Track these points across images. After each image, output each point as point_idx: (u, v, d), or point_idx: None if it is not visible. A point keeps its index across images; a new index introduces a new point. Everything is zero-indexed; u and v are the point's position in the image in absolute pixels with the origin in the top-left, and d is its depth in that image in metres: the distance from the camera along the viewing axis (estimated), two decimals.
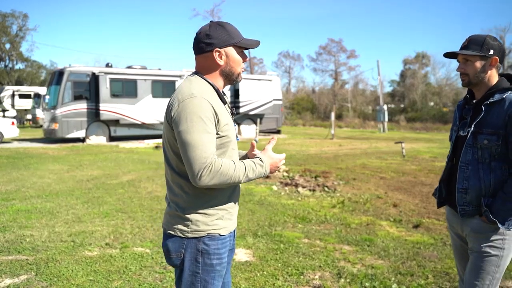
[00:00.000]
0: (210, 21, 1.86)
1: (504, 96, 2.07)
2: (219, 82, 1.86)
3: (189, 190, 1.77)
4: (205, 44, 1.81)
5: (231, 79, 1.88)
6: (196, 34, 1.85)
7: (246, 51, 1.94)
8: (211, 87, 1.81)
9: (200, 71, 1.86)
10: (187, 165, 1.67)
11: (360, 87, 50.12)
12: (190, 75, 1.86)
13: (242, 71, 1.91)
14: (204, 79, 1.82)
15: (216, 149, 1.75)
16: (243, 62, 1.89)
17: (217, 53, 1.81)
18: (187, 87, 1.76)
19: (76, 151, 13.95)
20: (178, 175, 1.79)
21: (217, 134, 1.74)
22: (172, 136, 1.74)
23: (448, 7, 76.57)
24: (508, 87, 2.11)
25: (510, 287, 3.51)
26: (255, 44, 1.89)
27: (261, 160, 1.81)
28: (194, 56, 1.87)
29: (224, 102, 1.86)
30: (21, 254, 4.24)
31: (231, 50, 1.83)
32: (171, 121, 1.72)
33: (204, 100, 1.70)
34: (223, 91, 1.90)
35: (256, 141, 2.00)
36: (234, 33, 1.84)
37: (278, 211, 6.01)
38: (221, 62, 1.83)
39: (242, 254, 4.27)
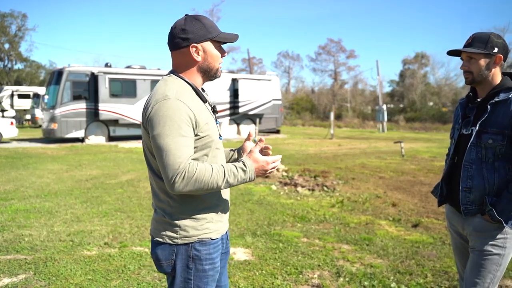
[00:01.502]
0: (185, 15, 1.76)
1: (510, 96, 2.06)
2: (197, 79, 1.77)
3: (175, 195, 1.68)
4: (181, 40, 1.71)
5: (209, 75, 1.79)
6: (171, 28, 1.75)
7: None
8: (188, 86, 1.72)
9: (177, 69, 1.77)
10: (161, 171, 1.60)
11: (360, 87, 50.16)
12: (166, 75, 1.77)
13: (221, 67, 1.82)
14: (181, 78, 1.73)
15: (199, 150, 1.69)
16: (221, 57, 1.80)
17: (194, 49, 1.71)
18: (161, 88, 1.67)
19: (75, 151, 13.94)
20: (162, 180, 1.68)
21: (197, 135, 1.66)
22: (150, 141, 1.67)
23: (448, 7, 76.66)
24: None
25: (509, 286, 3.51)
26: (234, 38, 1.79)
27: (244, 165, 1.67)
28: (170, 52, 1.78)
29: (204, 101, 1.77)
30: (20, 253, 4.23)
31: (208, 45, 1.73)
32: (146, 125, 1.65)
33: (179, 101, 1.61)
34: (202, 88, 1.83)
35: (254, 140, 1.94)
36: (211, 27, 1.74)
37: (277, 211, 6.00)
38: (199, 58, 1.73)
39: (241, 253, 4.26)
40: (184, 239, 1.71)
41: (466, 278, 2.19)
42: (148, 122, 1.63)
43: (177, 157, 1.57)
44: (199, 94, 1.75)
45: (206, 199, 1.74)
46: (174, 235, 1.71)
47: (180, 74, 1.76)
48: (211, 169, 1.61)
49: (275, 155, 1.78)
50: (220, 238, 1.81)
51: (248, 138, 2.00)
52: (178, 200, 1.70)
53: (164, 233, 1.73)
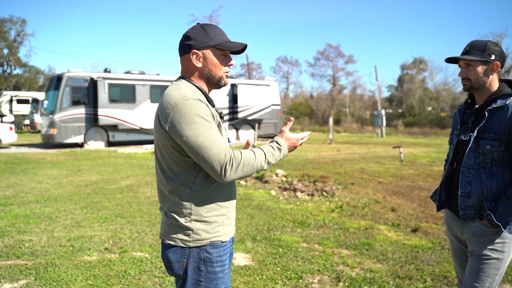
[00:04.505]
0: (197, 23, 1.83)
1: (507, 102, 2.10)
2: (202, 86, 1.81)
3: (188, 199, 1.73)
4: (184, 46, 1.78)
5: (212, 82, 1.82)
6: (182, 35, 1.83)
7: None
8: (199, 90, 1.77)
9: (185, 75, 1.82)
10: (206, 167, 1.64)
11: (358, 92, 50.44)
12: (176, 80, 1.81)
13: (226, 76, 1.84)
14: (191, 83, 1.78)
15: None
16: (227, 66, 1.83)
17: (195, 55, 1.77)
18: (176, 91, 1.70)
19: (74, 156, 13.94)
20: (178, 184, 1.73)
21: None
22: (170, 145, 1.69)
23: (446, 12, 77.17)
24: (510, 93, 2.14)
25: None
26: (237, 47, 1.80)
27: (279, 144, 1.80)
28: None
29: (212, 106, 1.80)
30: (20, 259, 4.23)
31: (209, 53, 1.77)
32: (169, 129, 1.66)
33: (198, 101, 1.67)
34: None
35: (254, 146, 1.97)
36: (215, 35, 1.77)
37: (276, 216, 6.02)
38: (199, 64, 1.77)
39: (241, 258, 4.27)
40: (196, 242, 1.74)
41: (465, 282, 2.22)
42: (171, 126, 1.65)
43: (218, 148, 1.63)
44: (208, 99, 1.79)
45: (218, 202, 1.78)
46: (187, 238, 1.74)
47: (189, 79, 1.81)
48: (252, 152, 1.70)
49: (303, 132, 1.92)
50: (229, 241, 1.84)
51: (247, 146, 2.03)
52: (191, 203, 1.74)
53: (176, 236, 1.75)
